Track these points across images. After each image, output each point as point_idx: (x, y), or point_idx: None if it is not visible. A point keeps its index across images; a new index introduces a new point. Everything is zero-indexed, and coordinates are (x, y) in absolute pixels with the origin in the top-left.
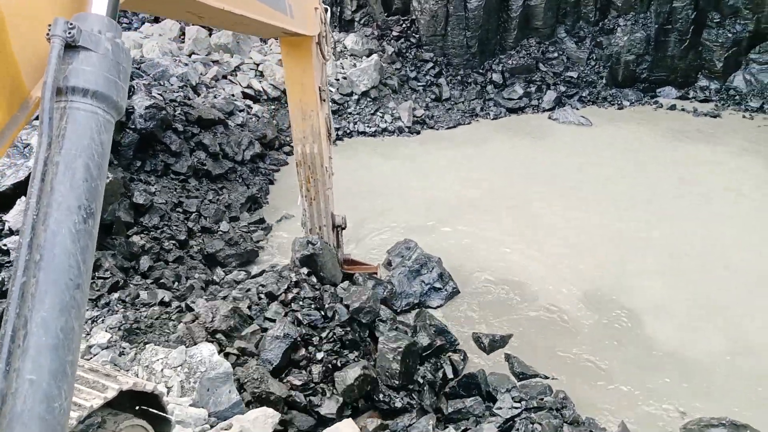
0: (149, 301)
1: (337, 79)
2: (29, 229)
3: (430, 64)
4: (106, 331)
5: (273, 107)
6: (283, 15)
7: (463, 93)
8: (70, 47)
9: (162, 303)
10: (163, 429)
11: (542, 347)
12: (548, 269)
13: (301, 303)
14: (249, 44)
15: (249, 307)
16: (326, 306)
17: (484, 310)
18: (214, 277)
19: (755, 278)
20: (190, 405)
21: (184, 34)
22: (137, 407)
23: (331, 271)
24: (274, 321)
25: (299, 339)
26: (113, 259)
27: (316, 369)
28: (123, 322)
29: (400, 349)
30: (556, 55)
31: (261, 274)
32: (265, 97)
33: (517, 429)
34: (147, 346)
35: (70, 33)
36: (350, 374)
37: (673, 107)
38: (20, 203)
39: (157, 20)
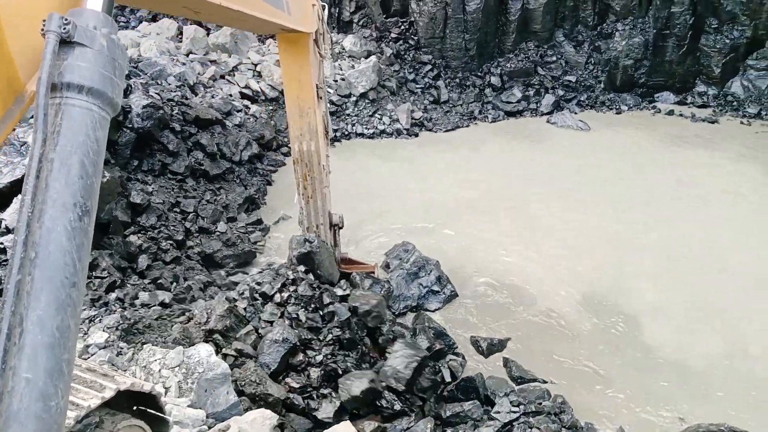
0: (149, 302)
1: (336, 81)
2: (24, 227)
3: (429, 67)
4: (103, 330)
5: (271, 108)
6: (281, 11)
7: (461, 96)
8: (65, 43)
9: (162, 304)
10: (160, 429)
11: (540, 351)
12: (546, 272)
13: (297, 302)
14: (247, 44)
15: (245, 309)
16: (324, 305)
17: (482, 314)
18: (216, 279)
19: (753, 281)
20: (188, 406)
21: (181, 33)
22: (135, 407)
23: (329, 269)
24: (271, 323)
25: (298, 343)
26: (110, 258)
27: (315, 373)
28: (120, 321)
29: (418, 359)
30: (554, 58)
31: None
32: (263, 97)
33: None
34: (145, 346)
35: (65, 29)
36: (356, 385)
37: (671, 112)
38: (17, 201)
39: (155, 19)
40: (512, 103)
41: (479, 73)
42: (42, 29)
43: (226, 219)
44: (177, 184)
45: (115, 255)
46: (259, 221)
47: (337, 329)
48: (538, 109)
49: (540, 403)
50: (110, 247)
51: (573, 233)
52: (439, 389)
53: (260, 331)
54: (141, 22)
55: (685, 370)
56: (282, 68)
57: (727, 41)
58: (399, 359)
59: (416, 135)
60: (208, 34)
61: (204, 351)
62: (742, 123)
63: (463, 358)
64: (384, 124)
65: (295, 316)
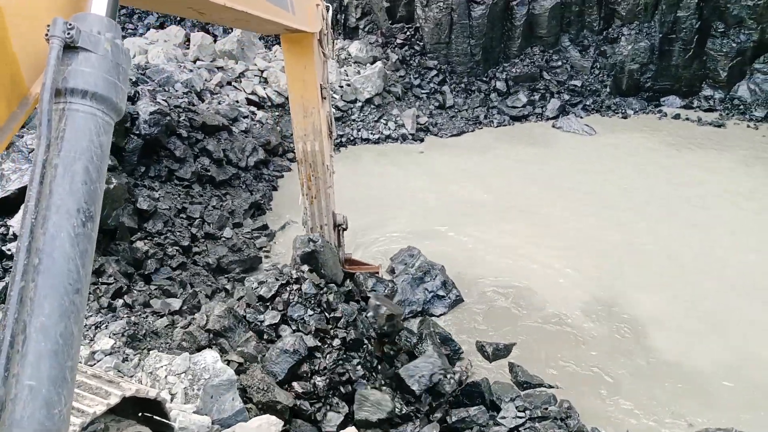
0: (160, 310)
1: (341, 86)
2: (28, 233)
3: (434, 72)
4: (109, 337)
5: (277, 114)
6: (285, 11)
7: (466, 101)
8: (69, 48)
9: (172, 313)
10: None
11: (546, 356)
12: (552, 277)
13: (300, 300)
14: (254, 51)
15: (245, 309)
16: (328, 304)
17: (487, 319)
18: (226, 286)
19: (760, 285)
20: (194, 412)
21: (189, 40)
22: (140, 414)
23: (332, 269)
24: (274, 326)
25: (305, 354)
26: (117, 264)
27: (321, 382)
28: (127, 328)
29: (443, 373)
30: (560, 63)
31: None
32: (269, 103)
33: None
34: (151, 352)
35: (69, 34)
36: (374, 413)
37: (677, 116)
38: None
39: (162, 26)
40: (518, 107)
41: (485, 78)
42: (46, 34)
43: (232, 224)
44: (183, 190)
45: (121, 261)
46: (265, 227)
47: (342, 330)
48: (544, 114)
49: (546, 409)
50: (117, 253)
51: (579, 238)
52: (447, 398)
53: (264, 336)
54: (149, 29)
55: (690, 374)
56: (286, 68)
57: (734, 45)
58: (427, 365)
59: (422, 140)
60: (215, 41)
61: (210, 357)
62: (748, 126)
63: (469, 363)
64: (389, 129)
65: (300, 317)
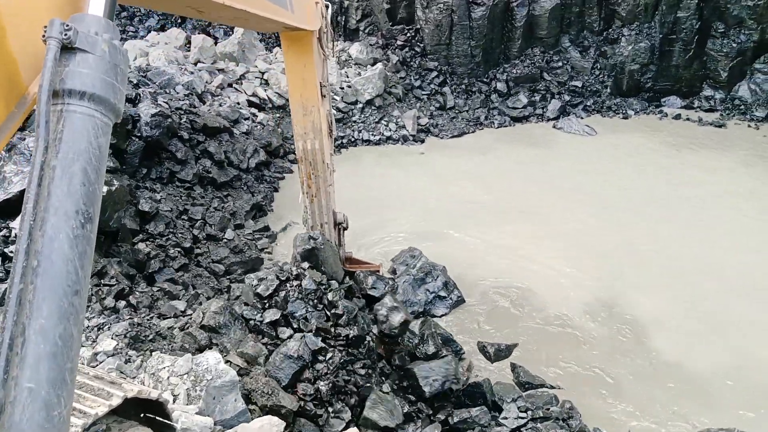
0: (167, 313)
1: (342, 88)
2: (26, 235)
3: (435, 73)
4: (112, 338)
5: (278, 115)
6: (284, 10)
7: (467, 102)
8: (67, 49)
9: (176, 315)
10: None
11: (548, 357)
12: (552, 278)
13: (299, 296)
14: (254, 53)
15: (242, 306)
16: (331, 302)
17: (489, 319)
18: (231, 287)
19: (759, 285)
20: (196, 413)
21: (189, 42)
22: (142, 415)
23: (333, 267)
24: (274, 325)
25: (309, 360)
26: (118, 266)
27: (324, 387)
28: (129, 329)
29: (455, 382)
30: (560, 64)
31: None
32: (270, 105)
33: None
34: (153, 353)
35: (66, 35)
36: (384, 422)
37: (678, 117)
38: None
39: (163, 29)
40: (518, 108)
41: (485, 79)
42: (43, 35)
43: (234, 226)
44: (185, 192)
45: (123, 263)
46: (267, 228)
47: (344, 328)
48: (545, 115)
49: (548, 409)
50: (118, 254)
51: (580, 238)
52: (450, 399)
53: (264, 335)
54: (149, 31)
55: (691, 375)
56: (286, 66)
57: (734, 45)
58: (442, 370)
59: (422, 141)
60: (216, 43)
61: (212, 358)
62: (749, 127)
63: (471, 363)
64: (390, 130)
65: (301, 315)
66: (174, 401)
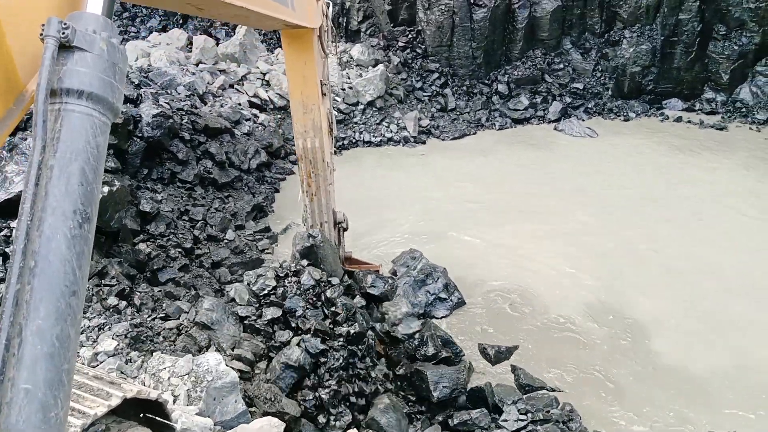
0: (172, 315)
1: (343, 89)
2: (23, 235)
3: (436, 75)
4: (112, 338)
5: (279, 116)
6: (284, 7)
7: (468, 103)
8: (65, 47)
9: (180, 318)
10: None
11: (548, 359)
12: (553, 279)
13: (298, 292)
14: (256, 54)
15: (237, 303)
16: (330, 300)
17: (489, 321)
18: (225, 288)
19: (761, 287)
20: (197, 414)
21: (191, 43)
22: (142, 415)
23: (332, 265)
24: (273, 325)
25: (310, 369)
26: (119, 266)
27: (326, 396)
28: (130, 330)
29: (461, 392)
30: (561, 66)
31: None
32: (272, 106)
33: None
34: (154, 354)
35: (64, 33)
36: (390, 429)
37: (679, 119)
38: None
39: (165, 29)
40: (519, 110)
41: (486, 81)
42: (41, 34)
43: (235, 227)
44: (186, 193)
45: (124, 263)
46: (267, 229)
47: (344, 327)
48: (546, 117)
49: (548, 411)
50: (119, 255)
51: (580, 240)
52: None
53: (261, 333)
54: (151, 32)
55: (691, 376)
56: (286, 64)
57: (736, 48)
58: (453, 378)
59: (423, 142)
60: (217, 44)
61: (213, 359)
62: (750, 129)
63: (471, 365)
64: (391, 131)
65: (300, 316)
66: (174, 402)
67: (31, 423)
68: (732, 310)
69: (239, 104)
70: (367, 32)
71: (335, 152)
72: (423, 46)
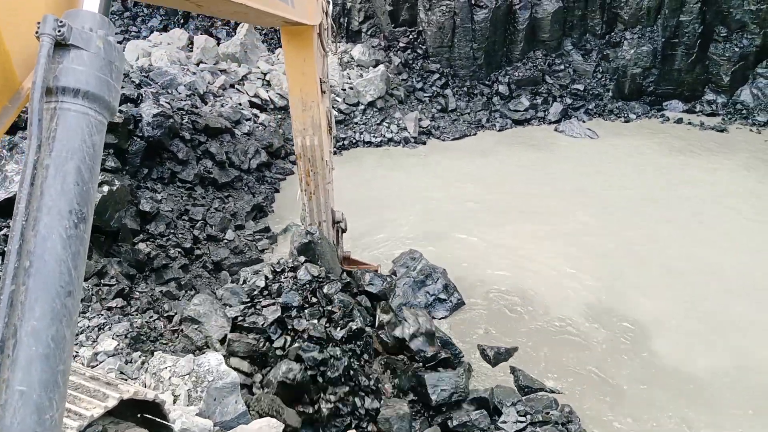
0: (173, 315)
1: (344, 89)
2: (18, 235)
3: (437, 75)
4: (112, 338)
5: (280, 116)
6: (284, 4)
7: (469, 104)
8: (61, 45)
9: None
10: None
11: (548, 360)
12: (553, 280)
13: (294, 287)
14: (256, 54)
15: (242, 294)
16: (327, 297)
17: (488, 322)
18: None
19: (761, 287)
20: (197, 414)
21: (192, 43)
22: (139, 415)
23: (330, 263)
24: (266, 327)
25: (306, 382)
26: (119, 266)
27: (325, 409)
28: (130, 329)
29: (461, 397)
30: (562, 67)
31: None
32: (272, 106)
33: None
34: (155, 354)
35: (60, 31)
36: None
37: (679, 121)
38: None
39: (165, 29)
40: (520, 111)
41: (487, 82)
42: (36, 31)
43: (234, 227)
44: (186, 192)
45: (123, 263)
46: (267, 229)
47: (341, 322)
48: (546, 118)
49: (547, 413)
50: (119, 254)
51: (580, 241)
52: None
53: (254, 331)
54: (152, 32)
55: (692, 377)
56: (285, 61)
57: (737, 49)
58: (452, 382)
59: (424, 143)
60: (218, 44)
61: (214, 360)
62: (751, 131)
63: (470, 366)
64: (392, 132)
65: (296, 313)
66: (175, 402)
67: (26, 425)
68: (733, 311)
69: (240, 104)
70: (368, 33)
71: (335, 152)
72: (424, 47)
